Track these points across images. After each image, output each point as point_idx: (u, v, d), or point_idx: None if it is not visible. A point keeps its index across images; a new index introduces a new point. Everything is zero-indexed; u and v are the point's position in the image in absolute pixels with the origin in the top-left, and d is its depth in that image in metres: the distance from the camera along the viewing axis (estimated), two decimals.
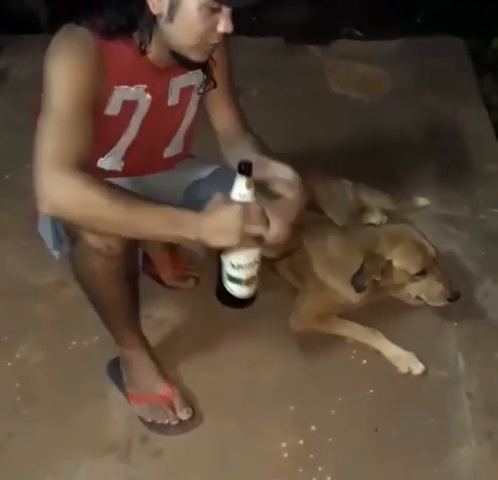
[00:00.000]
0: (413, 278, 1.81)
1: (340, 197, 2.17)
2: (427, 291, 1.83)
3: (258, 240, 1.32)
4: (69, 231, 1.45)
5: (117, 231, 1.31)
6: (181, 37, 1.36)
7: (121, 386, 1.77)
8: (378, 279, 1.80)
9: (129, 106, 1.48)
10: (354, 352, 1.91)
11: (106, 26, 1.37)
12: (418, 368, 1.85)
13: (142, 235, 1.34)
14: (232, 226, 1.26)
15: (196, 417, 1.74)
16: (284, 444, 1.70)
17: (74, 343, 1.91)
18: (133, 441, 1.70)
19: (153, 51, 1.43)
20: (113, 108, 1.45)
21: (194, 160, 1.79)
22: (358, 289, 1.79)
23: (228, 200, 1.28)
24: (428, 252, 1.82)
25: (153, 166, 1.68)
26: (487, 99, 3.01)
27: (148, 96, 1.49)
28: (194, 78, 1.58)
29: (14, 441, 1.70)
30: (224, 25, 1.34)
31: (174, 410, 1.72)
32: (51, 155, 1.25)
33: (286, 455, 1.68)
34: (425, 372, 1.85)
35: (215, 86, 1.62)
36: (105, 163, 1.57)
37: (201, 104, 1.66)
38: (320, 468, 1.65)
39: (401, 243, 1.81)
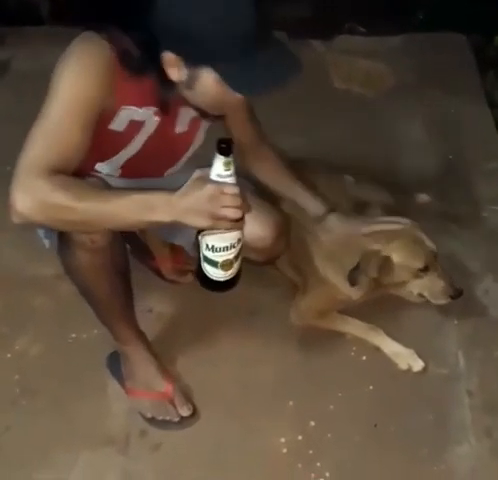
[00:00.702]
0: (416, 274, 1.79)
1: (341, 192, 2.16)
2: (430, 288, 1.82)
3: (236, 223, 1.25)
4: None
5: (91, 229, 1.30)
6: (200, 102, 1.37)
7: (120, 379, 1.77)
8: (375, 276, 1.78)
9: (135, 125, 1.45)
10: (354, 348, 1.91)
11: (124, 56, 1.33)
12: (418, 365, 1.85)
13: (117, 227, 1.33)
14: (202, 207, 1.20)
15: (195, 413, 1.73)
16: (283, 439, 1.70)
17: (73, 335, 1.91)
18: (132, 435, 1.70)
19: None
20: (118, 125, 1.42)
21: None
22: (352, 284, 1.78)
23: (205, 179, 1.22)
24: (428, 248, 1.81)
25: (150, 176, 1.65)
26: (489, 96, 2.99)
27: (156, 118, 1.46)
28: None
29: (12, 433, 1.70)
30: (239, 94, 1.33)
31: (174, 406, 1.72)
32: (30, 163, 1.22)
33: (285, 450, 1.68)
34: (425, 369, 1.85)
35: (222, 116, 1.61)
36: (103, 168, 1.55)
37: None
38: (319, 464, 1.65)
39: (400, 238, 1.79)
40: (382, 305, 1.97)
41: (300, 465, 1.65)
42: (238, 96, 1.31)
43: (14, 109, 2.68)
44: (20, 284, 2.06)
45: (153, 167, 1.62)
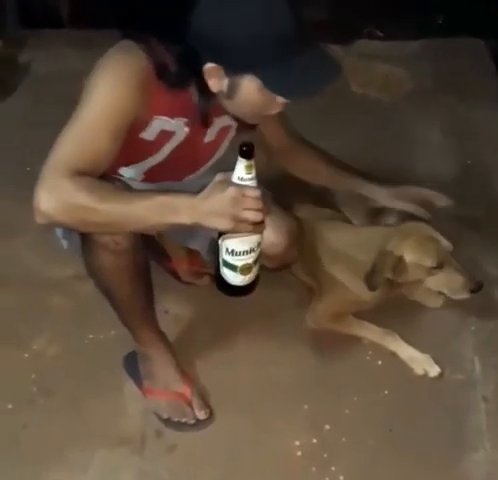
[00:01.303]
0: (430, 272, 1.77)
1: (357, 196, 2.15)
2: (447, 284, 1.80)
3: (257, 227, 1.26)
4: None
5: (114, 230, 1.31)
6: (240, 112, 1.39)
7: (137, 380, 1.77)
8: (390, 277, 1.78)
9: (166, 135, 1.46)
10: (370, 353, 1.91)
11: (162, 70, 1.34)
12: (434, 370, 1.84)
13: (139, 229, 1.33)
14: (225, 210, 1.20)
15: (212, 416, 1.74)
16: (297, 443, 1.70)
17: (91, 336, 1.93)
18: (147, 435, 1.71)
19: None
20: (149, 134, 1.44)
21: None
22: (371, 288, 1.78)
23: (227, 182, 1.23)
24: (442, 245, 1.79)
25: (170, 180, 1.66)
26: None
27: (186, 129, 1.48)
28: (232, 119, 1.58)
29: (29, 432, 1.71)
30: (278, 105, 1.36)
31: (192, 409, 1.72)
32: (58, 163, 1.24)
33: (299, 454, 1.68)
34: (441, 375, 1.84)
35: (254, 128, 1.62)
36: (126, 172, 1.56)
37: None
38: (333, 467, 1.65)
39: (411, 237, 1.78)
40: (398, 310, 1.97)
41: (314, 468, 1.65)
42: (279, 102, 1.33)
43: (34, 111, 2.71)
44: (38, 285, 2.07)
45: (175, 173, 1.63)
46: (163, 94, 1.37)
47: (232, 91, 1.33)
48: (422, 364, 1.85)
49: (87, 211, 1.22)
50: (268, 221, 1.31)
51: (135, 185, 1.50)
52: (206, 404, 1.75)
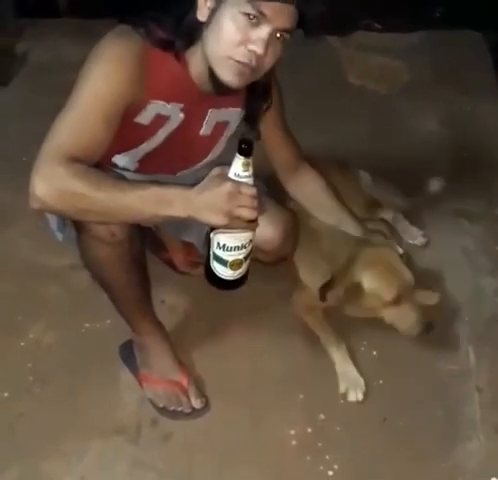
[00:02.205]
0: (385, 304, 1.76)
1: (356, 189, 2.16)
2: (399, 321, 1.78)
3: (250, 224, 1.26)
4: (73, 220, 1.43)
5: (108, 219, 1.30)
6: (212, 43, 1.33)
7: (133, 369, 1.78)
8: (342, 297, 1.76)
9: (160, 119, 1.46)
10: (364, 343, 1.91)
11: (163, 37, 1.36)
12: (354, 396, 1.77)
13: (132, 220, 1.33)
14: (219, 205, 1.20)
15: (207, 405, 1.75)
16: (292, 432, 1.71)
17: (87, 325, 1.93)
18: (143, 424, 1.71)
19: (194, 64, 1.40)
20: (144, 118, 1.43)
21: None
22: (321, 299, 1.78)
23: (224, 177, 1.23)
24: (405, 279, 1.77)
25: (164, 173, 1.66)
26: None
27: (181, 115, 1.47)
28: (233, 116, 1.58)
29: (24, 420, 1.71)
30: (255, 43, 1.29)
31: (188, 398, 1.73)
32: (52, 149, 1.24)
33: (294, 443, 1.69)
34: (359, 402, 1.78)
35: (259, 138, 1.63)
36: (120, 160, 1.55)
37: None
38: (328, 456, 1.66)
39: (375, 266, 1.76)
40: None
41: (309, 457, 1.66)
42: (254, 37, 1.28)
43: (31, 101, 2.70)
44: (35, 274, 2.08)
45: (169, 165, 1.63)
46: (160, 78, 1.37)
47: (212, 15, 1.32)
48: (349, 384, 1.79)
49: (81, 198, 1.22)
50: (264, 216, 1.31)
51: (129, 176, 1.50)
52: (202, 393, 1.76)
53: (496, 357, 1.90)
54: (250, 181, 1.23)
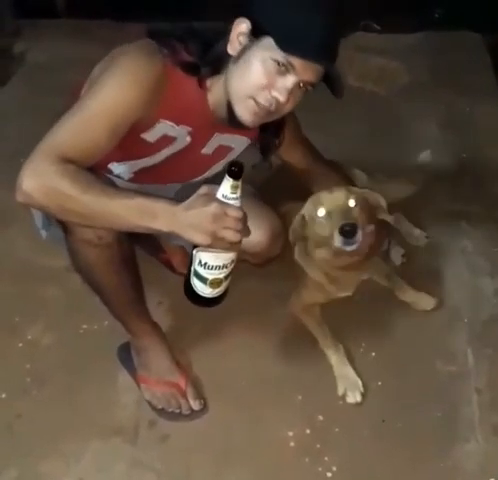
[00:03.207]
0: (322, 223, 1.67)
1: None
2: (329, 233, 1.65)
3: (233, 246, 1.25)
4: (60, 223, 1.42)
5: (90, 223, 1.29)
6: (237, 80, 1.35)
7: (131, 370, 1.78)
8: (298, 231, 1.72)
9: (167, 140, 1.46)
10: (363, 344, 1.91)
11: (189, 60, 1.37)
12: (353, 397, 1.77)
13: (115, 226, 1.31)
14: (204, 225, 1.19)
15: (205, 406, 1.75)
16: (291, 433, 1.71)
17: (85, 326, 1.93)
18: (140, 425, 1.71)
19: (213, 93, 1.42)
20: (151, 136, 1.44)
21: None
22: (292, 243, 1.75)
23: (211, 197, 1.21)
24: (337, 196, 1.67)
25: (154, 184, 1.65)
26: None
27: (188, 138, 1.48)
28: (237, 143, 1.59)
29: (22, 421, 1.71)
30: (279, 90, 1.32)
31: (186, 399, 1.73)
32: (49, 146, 1.24)
33: (292, 444, 1.69)
34: (358, 404, 1.77)
35: (271, 168, 1.65)
36: (116, 168, 1.55)
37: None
38: (326, 458, 1.66)
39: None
40: (394, 302, 1.98)
41: (307, 459, 1.66)
42: (280, 85, 1.31)
43: (29, 101, 2.70)
44: (33, 275, 2.07)
45: (164, 177, 1.62)
46: (175, 100, 1.38)
47: (242, 52, 1.33)
48: (348, 386, 1.79)
49: (67, 198, 1.21)
50: (251, 218, 1.30)
51: (119, 183, 1.49)
52: (200, 394, 1.75)
53: (495, 358, 1.90)
54: (237, 203, 1.22)
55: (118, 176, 1.57)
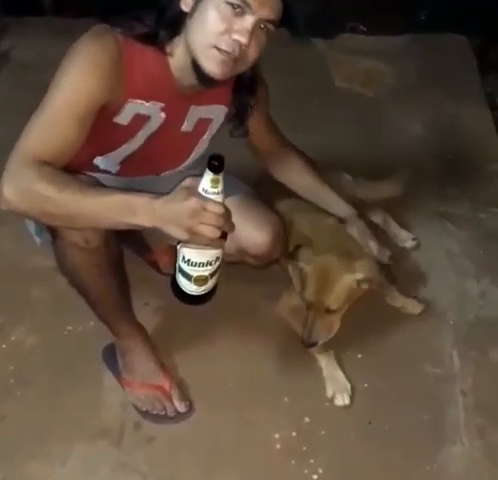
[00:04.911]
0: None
1: (340, 191, 2.16)
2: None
3: (215, 242, 1.22)
4: (47, 227, 1.42)
5: (73, 224, 1.28)
6: (196, 33, 1.32)
7: (116, 372, 1.76)
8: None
9: (140, 119, 1.45)
10: (349, 346, 1.91)
11: (146, 31, 1.35)
12: (341, 400, 1.77)
13: (97, 224, 1.29)
14: (182, 219, 1.18)
15: (191, 408, 1.74)
16: (277, 435, 1.70)
17: (70, 328, 1.91)
18: (126, 427, 1.70)
19: (176, 57, 1.39)
20: (123, 118, 1.42)
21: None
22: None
23: (192, 191, 1.19)
24: (321, 295, 1.74)
25: (146, 176, 1.64)
26: (490, 98, 3.00)
27: (162, 115, 1.46)
28: (215, 113, 1.57)
29: (6, 423, 1.69)
30: (239, 32, 1.29)
31: (171, 401, 1.72)
32: (22, 153, 1.24)
33: (279, 446, 1.68)
34: (346, 407, 1.77)
35: (247, 134, 1.62)
36: (101, 162, 1.54)
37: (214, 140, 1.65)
38: (312, 460, 1.66)
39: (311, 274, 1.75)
40: (379, 304, 1.98)
41: (294, 461, 1.66)
42: (237, 27, 1.28)
43: (14, 99, 2.67)
44: (18, 275, 2.06)
45: (151, 166, 1.61)
46: (138, 76, 1.37)
47: (195, 5, 1.31)
48: (337, 388, 1.79)
49: (45, 200, 1.20)
50: (251, 220, 1.29)
51: (109, 180, 1.47)
52: (186, 396, 1.74)
53: (480, 360, 1.91)
54: (218, 198, 1.19)
55: (106, 171, 1.56)
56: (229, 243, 1.58)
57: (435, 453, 1.68)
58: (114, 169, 1.57)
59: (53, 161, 1.24)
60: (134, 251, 2.02)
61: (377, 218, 2.22)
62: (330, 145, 2.55)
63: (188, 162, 1.66)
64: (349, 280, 1.72)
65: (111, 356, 1.77)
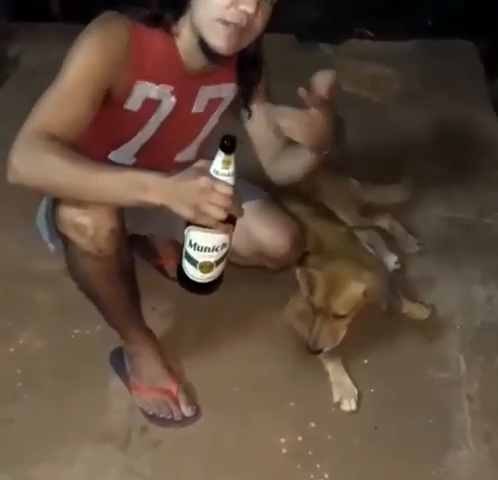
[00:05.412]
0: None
1: (349, 196, 2.17)
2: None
3: (221, 225, 1.21)
4: (60, 234, 1.42)
5: (81, 198, 1.27)
6: (201, 9, 1.33)
7: (123, 376, 1.77)
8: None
9: (151, 105, 1.46)
10: (356, 351, 1.91)
11: (152, 14, 1.38)
12: (348, 405, 1.77)
13: (106, 200, 1.28)
14: (190, 197, 1.18)
15: (198, 413, 1.74)
16: (283, 440, 1.70)
17: (77, 331, 1.92)
18: (132, 431, 1.70)
19: (183, 37, 1.40)
20: (133, 104, 1.43)
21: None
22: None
23: (203, 171, 1.20)
24: (329, 301, 1.74)
25: (163, 167, 1.64)
26: (496, 103, 3.01)
27: (173, 99, 1.47)
28: (225, 92, 1.57)
29: (14, 426, 1.70)
30: (245, 2, 1.28)
31: (178, 406, 1.72)
32: (32, 125, 1.26)
33: (284, 451, 1.68)
34: (353, 412, 1.77)
35: (250, 116, 1.61)
36: (116, 156, 1.56)
37: (225, 118, 1.64)
38: (318, 465, 1.65)
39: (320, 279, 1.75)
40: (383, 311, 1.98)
41: (299, 466, 1.65)
42: (240, 7, 1.28)
43: (22, 104, 2.67)
44: (25, 279, 2.06)
45: (166, 151, 1.61)
46: (146, 57, 1.38)
47: None
48: (343, 393, 1.79)
49: (56, 172, 1.21)
50: (270, 224, 1.27)
51: None
52: (192, 401, 1.75)
53: (487, 365, 1.90)
54: (229, 180, 1.19)
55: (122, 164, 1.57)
56: (247, 246, 1.58)
57: (441, 458, 1.68)
58: (130, 162, 1.58)
59: (62, 135, 1.26)
60: (141, 256, 2.03)
61: (384, 223, 2.23)
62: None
63: (198, 140, 1.65)
64: (357, 288, 1.72)
65: (118, 360, 1.78)
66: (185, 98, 1.50)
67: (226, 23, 1.31)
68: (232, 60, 1.49)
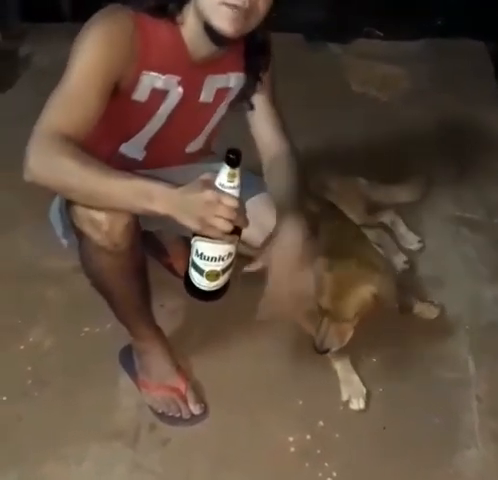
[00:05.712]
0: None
1: (356, 194, 2.17)
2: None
3: (228, 236, 1.23)
4: (75, 229, 1.42)
5: (90, 202, 1.29)
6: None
7: (133, 374, 1.78)
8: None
9: (158, 95, 1.46)
10: (365, 350, 1.91)
11: (155, 4, 1.38)
12: (357, 404, 1.78)
13: (113, 206, 1.29)
14: (196, 210, 1.19)
15: (206, 411, 1.75)
16: (291, 438, 1.71)
17: (87, 329, 1.93)
18: (141, 429, 1.71)
19: (188, 25, 1.41)
20: (140, 94, 1.43)
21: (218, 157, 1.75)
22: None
23: (209, 184, 1.21)
24: (337, 302, 1.71)
25: (173, 159, 1.66)
26: None
27: (180, 89, 1.47)
28: (232, 81, 1.57)
29: (23, 424, 1.71)
30: None
31: (186, 404, 1.73)
32: (45, 125, 1.27)
33: (293, 449, 1.69)
34: (361, 411, 1.78)
35: (252, 108, 1.61)
36: (127, 149, 1.56)
37: (231, 108, 1.64)
38: (326, 464, 1.66)
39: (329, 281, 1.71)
40: (395, 309, 1.98)
41: (307, 464, 1.66)
42: None
43: (33, 105, 2.68)
44: (35, 277, 2.08)
45: (175, 143, 1.62)
46: (151, 48, 1.38)
47: None
48: (352, 392, 1.79)
49: (68, 174, 1.23)
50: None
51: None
52: (201, 399, 1.75)
53: (495, 366, 1.90)
54: (234, 192, 1.21)
55: (133, 160, 1.58)
56: (260, 237, 1.54)
57: (449, 458, 1.68)
58: (140, 155, 1.59)
59: (75, 133, 1.27)
60: (150, 254, 2.04)
61: (386, 218, 2.23)
62: (345, 149, 2.56)
63: (206, 130, 1.65)
64: (365, 291, 1.72)
65: (127, 358, 1.79)
66: (192, 88, 1.50)
67: (229, 6, 1.31)
68: (239, 49, 1.50)
